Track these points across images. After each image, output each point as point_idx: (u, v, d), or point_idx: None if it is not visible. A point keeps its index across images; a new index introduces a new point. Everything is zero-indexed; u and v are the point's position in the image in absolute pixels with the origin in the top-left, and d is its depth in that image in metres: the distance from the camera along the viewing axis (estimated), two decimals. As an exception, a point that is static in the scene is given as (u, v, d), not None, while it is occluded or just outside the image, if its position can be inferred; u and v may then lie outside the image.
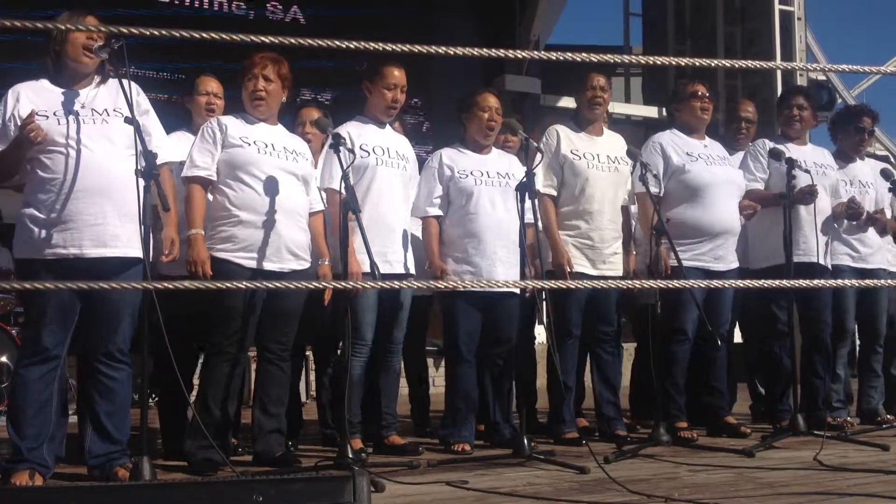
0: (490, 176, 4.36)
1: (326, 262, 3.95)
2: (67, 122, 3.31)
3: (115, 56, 3.37)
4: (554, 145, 4.53)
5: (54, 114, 3.33)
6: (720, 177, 4.62)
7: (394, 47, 2.28)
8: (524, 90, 9.43)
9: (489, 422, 4.38)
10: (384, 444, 4.16)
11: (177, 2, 8.20)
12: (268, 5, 8.61)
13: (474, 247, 4.28)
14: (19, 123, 3.27)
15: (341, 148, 3.81)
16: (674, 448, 4.17)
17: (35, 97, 3.34)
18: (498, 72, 9.22)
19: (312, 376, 6.46)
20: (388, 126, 4.33)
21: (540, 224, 4.31)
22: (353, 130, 4.14)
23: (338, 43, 2.23)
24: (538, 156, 4.24)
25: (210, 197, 3.76)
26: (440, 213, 4.33)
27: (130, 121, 3.42)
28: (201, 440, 3.62)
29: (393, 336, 4.20)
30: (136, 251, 3.33)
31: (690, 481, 3.38)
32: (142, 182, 3.32)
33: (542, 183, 4.45)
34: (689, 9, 11.66)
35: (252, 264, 3.69)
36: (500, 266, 4.26)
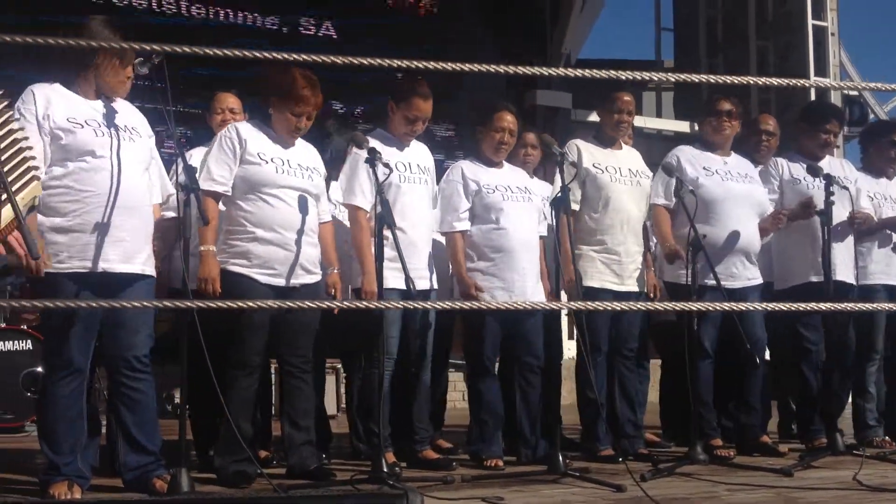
0: (513, 191, 4.36)
1: (335, 271, 3.97)
2: (105, 134, 3.31)
3: (156, 70, 3.39)
4: (575, 160, 4.50)
5: (87, 123, 3.30)
6: (734, 193, 4.57)
7: (425, 65, 2.28)
8: (554, 105, 9.43)
9: (520, 438, 4.35)
10: (418, 458, 4.15)
11: (211, 16, 8.27)
12: (301, 20, 8.66)
13: (504, 261, 4.27)
14: (55, 125, 3.24)
15: (378, 163, 3.82)
16: (710, 467, 4.12)
17: (65, 103, 3.31)
18: (528, 86, 9.21)
19: (343, 389, 6.49)
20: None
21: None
22: (374, 145, 4.11)
23: (369, 61, 2.23)
24: (572, 171, 4.24)
25: (222, 207, 3.78)
26: (467, 227, 4.33)
27: (170, 134, 3.46)
28: (232, 455, 3.64)
29: (421, 350, 4.19)
30: (151, 269, 3.41)
31: (729, 501, 3.34)
32: (182, 195, 3.36)
33: None
34: (722, 23, 11.61)
35: (267, 280, 3.72)
36: (530, 280, 4.28)
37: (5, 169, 2.69)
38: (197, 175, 3.54)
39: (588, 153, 4.55)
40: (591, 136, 4.72)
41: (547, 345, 4.31)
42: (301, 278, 3.80)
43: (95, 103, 3.38)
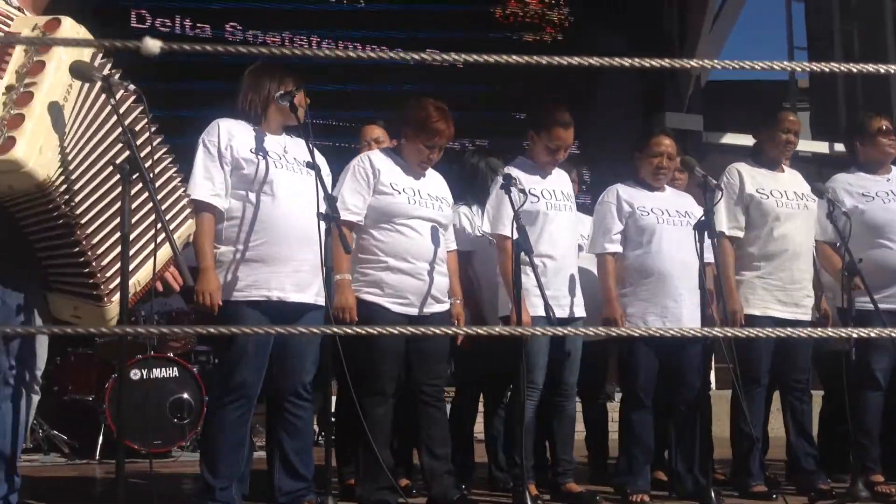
0: (671, 214, 4.24)
1: (458, 302, 3.97)
2: (283, 167, 3.44)
3: (295, 104, 3.48)
4: (737, 185, 4.36)
5: (267, 155, 3.45)
6: None
7: (549, 60, 2.16)
8: (685, 127, 9.20)
9: (671, 471, 4.21)
10: (560, 490, 4.06)
11: (340, 53, 8.46)
12: (426, 51, 8.75)
13: (659, 287, 4.14)
14: (237, 155, 3.40)
15: (513, 189, 3.80)
16: (872, 504, 3.87)
17: (248, 136, 3.46)
18: (658, 110, 9.05)
19: (480, 418, 6.43)
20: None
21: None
22: (520, 174, 4.08)
23: (496, 58, 2.08)
24: (717, 193, 4.10)
25: (353, 236, 3.81)
26: (619, 249, 4.23)
27: (311, 165, 3.52)
28: (374, 483, 3.65)
29: (565, 380, 4.12)
30: (322, 298, 3.45)
31: (898, 541, 3.12)
32: (323, 225, 3.41)
33: (725, 224, 4.30)
34: (858, 40, 11.16)
35: (400, 309, 3.74)
36: (686, 308, 4.11)
37: (163, 207, 2.76)
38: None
39: (750, 177, 4.40)
40: (749, 159, 4.54)
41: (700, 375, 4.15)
42: (431, 307, 3.81)
43: (279, 138, 3.52)
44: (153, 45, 1.40)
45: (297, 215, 3.38)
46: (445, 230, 3.93)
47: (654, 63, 1.99)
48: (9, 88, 2.46)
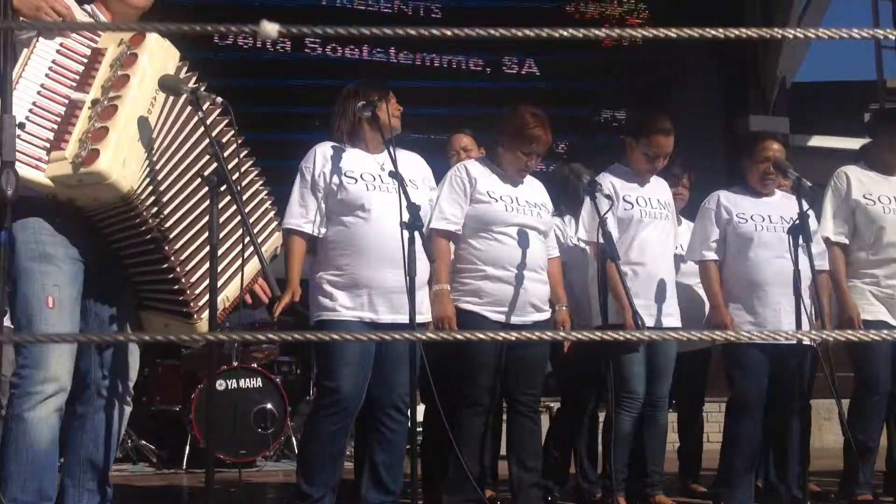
0: (773, 220, 4.10)
1: (564, 308, 3.89)
2: (377, 188, 3.44)
3: (377, 114, 3.46)
4: (844, 189, 4.21)
5: (361, 177, 3.45)
6: None
7: (624, 32, 2.08)
8: (771, 130, 8.96)
9: (766, 481, 4.09)
10: (650, 502, 3.97)
11: (418, 62, 8.50)
12: (504, 59, 8.74)
13: (757, 295, 4.02)
14: (331, 181, 3.42)
15: (597, 194, 3.73)
16: None
17: (344, 159, 3.47)
18: (742, 112, 8.85)
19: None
20: None
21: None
22: (615, 181, 4.03)
23: (584, 31, 1.97)
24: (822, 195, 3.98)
25: (451, 245, 3.79)
26: (716, 257, 4.12)
27: (393, 174, 3.50)
28: (461, 494, 3.61)
29: (657, 389, 4.02)
30: (424, 316, 3.44)
31: None
32: (406, 234, 3.38)
33: (832, 230, 4.17)
34: (951, 36, 10.75)
35: (499, 318, 3.70)
36: (786, 317, 3.96)
37: (250, 220, 2.76)
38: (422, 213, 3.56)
39: (858, 182, 4.24)
40: (861, 161, 4.37)
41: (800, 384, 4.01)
42: (531, 315, 3.76)
43: (377, 156, 3.51)
44: (271, 28, 1.38)
45: (390, 236, 3.33)
46: (545, 237, 3.88)
47: (738, 33, 1.90)
48: (94, 102, 2.51)
